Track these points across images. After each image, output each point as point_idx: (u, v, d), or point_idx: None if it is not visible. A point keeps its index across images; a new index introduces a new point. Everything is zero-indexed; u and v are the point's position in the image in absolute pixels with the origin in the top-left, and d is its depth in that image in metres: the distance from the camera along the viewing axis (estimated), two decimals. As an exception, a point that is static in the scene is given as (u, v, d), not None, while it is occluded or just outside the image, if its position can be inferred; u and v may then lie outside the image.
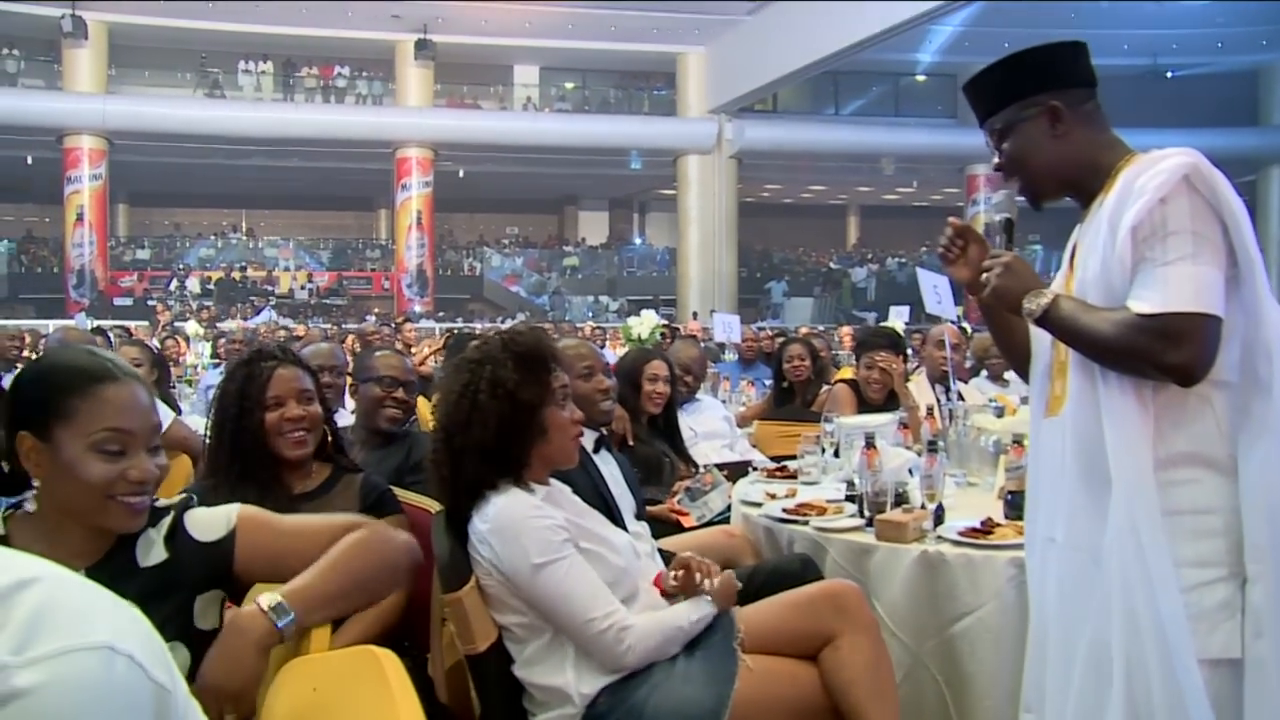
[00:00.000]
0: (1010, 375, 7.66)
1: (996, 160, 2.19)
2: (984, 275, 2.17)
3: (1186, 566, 1.90)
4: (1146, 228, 1.90)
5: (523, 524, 2.37)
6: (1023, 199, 2.26)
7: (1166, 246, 1.89)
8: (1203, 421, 1.94)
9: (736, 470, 4.36)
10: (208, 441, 2.79)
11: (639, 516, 3.40)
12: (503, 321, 22.59)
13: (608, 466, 3.43)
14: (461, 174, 27.21)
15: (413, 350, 9.28)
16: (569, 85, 28.50)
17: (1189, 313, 1.86)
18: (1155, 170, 1.92)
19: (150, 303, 24.53)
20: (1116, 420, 1.96)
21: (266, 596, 1.82)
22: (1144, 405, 1.94)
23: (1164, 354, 1.87)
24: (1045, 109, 2.09)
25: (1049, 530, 2.15)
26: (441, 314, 25.28)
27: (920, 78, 29.17)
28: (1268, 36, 22.37)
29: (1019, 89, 2.13)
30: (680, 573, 2.56)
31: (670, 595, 2.58)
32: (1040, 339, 2.21)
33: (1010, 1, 20.47)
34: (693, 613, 2.47)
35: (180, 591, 1.84)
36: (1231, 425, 1.93)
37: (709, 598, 2.50)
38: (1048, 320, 2.04)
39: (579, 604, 2.35)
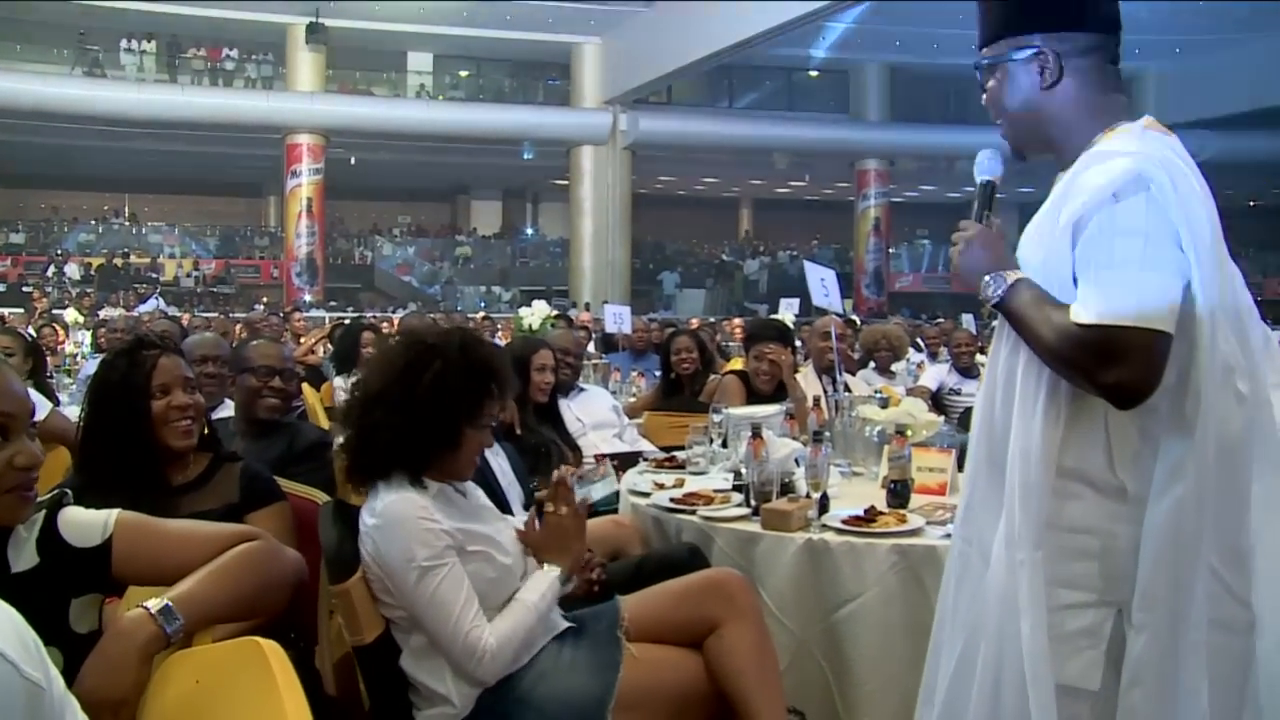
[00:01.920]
0: (897, 367, 7.85)
1: (984, 97, 1.99)
2: (951, 250, 1.98)
3: (1057, 585, 1.80)
4: (1092, 226, 1.73)
5: (406, 524, 2.35)
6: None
7: (1113, 248, 1.70)
8: (1091, 440, 1.80)
9: (627, 460, 4.39)
10: (80, 436, 2.69)
11: (527, 506, 3.41)
12: (394, 311, 22.31)
13: (497, 458, 3.43)
14: (353, 161, 26.80)
15: (301, 340, 9.13)
16: (463, 74, 28.25)
17: (1127, 327, 1.67)
18: (1105, 167, 1.75)
19: (26, 289, 23.67)
20: (1024, 422, 1.83)
21: (154, 600, 1.75)
22: (1055, 412, 1.81)
23: (1098, 372, 1.69)
24: (1035, 54, 1.88)
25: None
26: (333, 303, 24.87)
27: (813, 73, 29.57)
28: (1140, 45, 23.11)
29: (1013, 24, 1.91)
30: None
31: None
32: None
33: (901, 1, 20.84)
34: (546, 591, 2.48)
35: (53, 597, 1.77)
36: (1133, 451, 1.78)
37: (558, 570, 2.51)
38: (1002, 308, 1.87)
39: (444, 614, 2.33)
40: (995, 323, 2.00)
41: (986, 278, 1.88)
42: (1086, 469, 1.80)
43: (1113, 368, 1.68)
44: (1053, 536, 1.80)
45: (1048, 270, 1.82)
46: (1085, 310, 1.71)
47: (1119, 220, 1.70)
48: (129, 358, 2.68)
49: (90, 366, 7.96)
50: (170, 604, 1.74)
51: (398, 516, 2.36)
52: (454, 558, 2.37)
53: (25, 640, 1.06)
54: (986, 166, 2.02)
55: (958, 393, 7.20)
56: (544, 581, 2.49)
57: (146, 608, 1.73)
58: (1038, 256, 1.86)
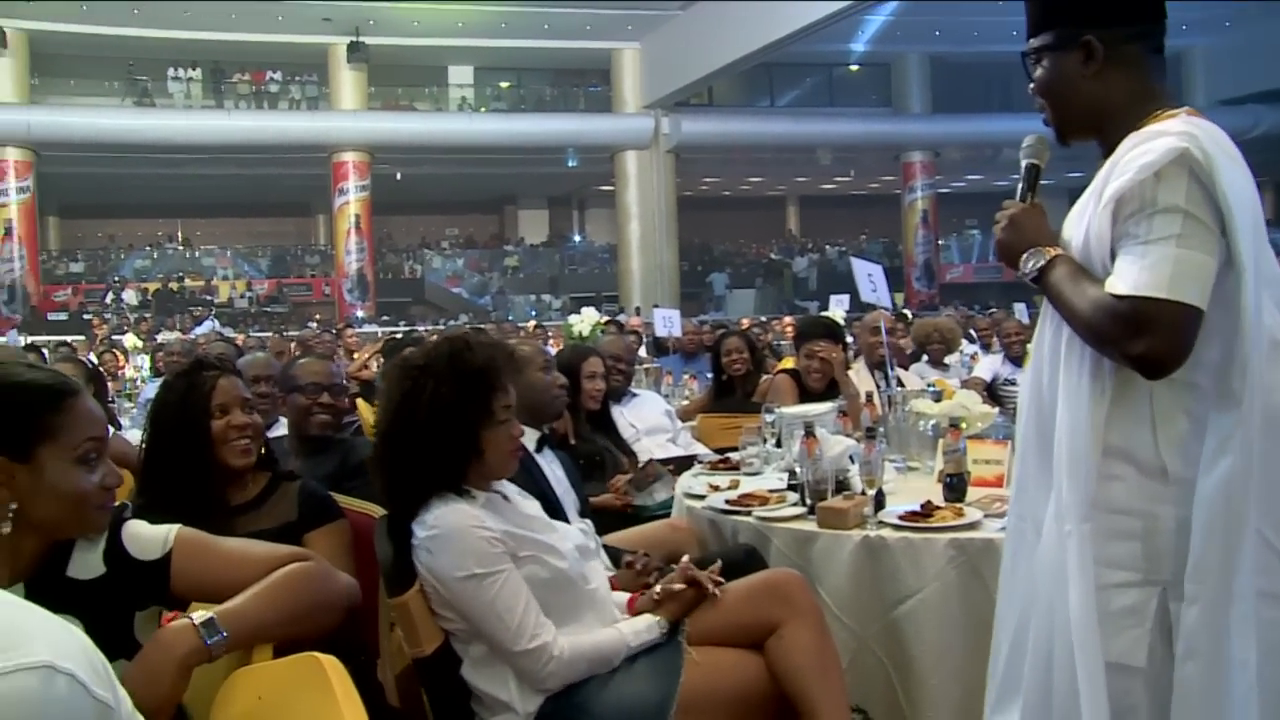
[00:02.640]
0: (950, 359, 7.78)
1: (1031, 85, 2.04)
2: (994, 227, 2.04)
3: (1102, 565, 1.83)
4: (1135, 202, 1.76)
5: (460, 535, 2.36)
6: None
7: (1152, 224, 1.74)
8: (1137, 417, 1.82)
9: (681, 464, 4.39)
10: (142, 458, 2.74)
11: (583, 514, 3.42)
12: (446, 324, 22.46)
13: (551, 466, 3.45)
14: (399, 176, 27.03)
15: (355, 355, 9.21)
16: (504, 85, 28.35)
17: (1159, 299, 1.70)
18: (1149, 146, 1.78)
19: (86, 316, 24.08)
20: (1070, 397, 1.87)
21: (199, 613, 1.79)
22: (1100, 388, 1.84)
23: (1127, 341, 1.73)
24: (1079, 45, 1.91)
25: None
26: (385, 318, 25.08)
27: (854, 68, 29.41)
28: (1188, 22, 22.78)
29: (1056, 16, 1.97)
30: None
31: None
32: None
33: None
34: (644, 633, 2.48)
35: (119, 607, 1.82)
36: (1177, 430, 1.81)
37: (661, 620, 2.51)
38: (1040, 284, 1.92)
39: (506, 621, 2.33)
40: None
41: (1026, 254, 1.93)
42: (1131, 448, 1.83)
43: (1141, 338, 1.72)
44: (1097, 517, 1.84)
45: (1090, 246, 1.86)
46: (1120, 282, 1.75)
47: (1160, 197, 1.74)
48: (188, 379, 2.74)
49: (150, 390, 8.10)
50: (214, 617, 1.77)
51: (451, 528, 2.37)
52: (510, 564, 2.37)
53: (94, 662, 1.08)
54: (1032, 151, 2.07)
55: (1012, 383, 7.11)
56: (648, 631, 2.48)
57: (190, 618, 1.77)
58: (1080, 234, 1.89)
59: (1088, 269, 1.86)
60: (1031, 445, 1.99)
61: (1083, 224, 1.89)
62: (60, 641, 1.07)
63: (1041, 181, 2.07)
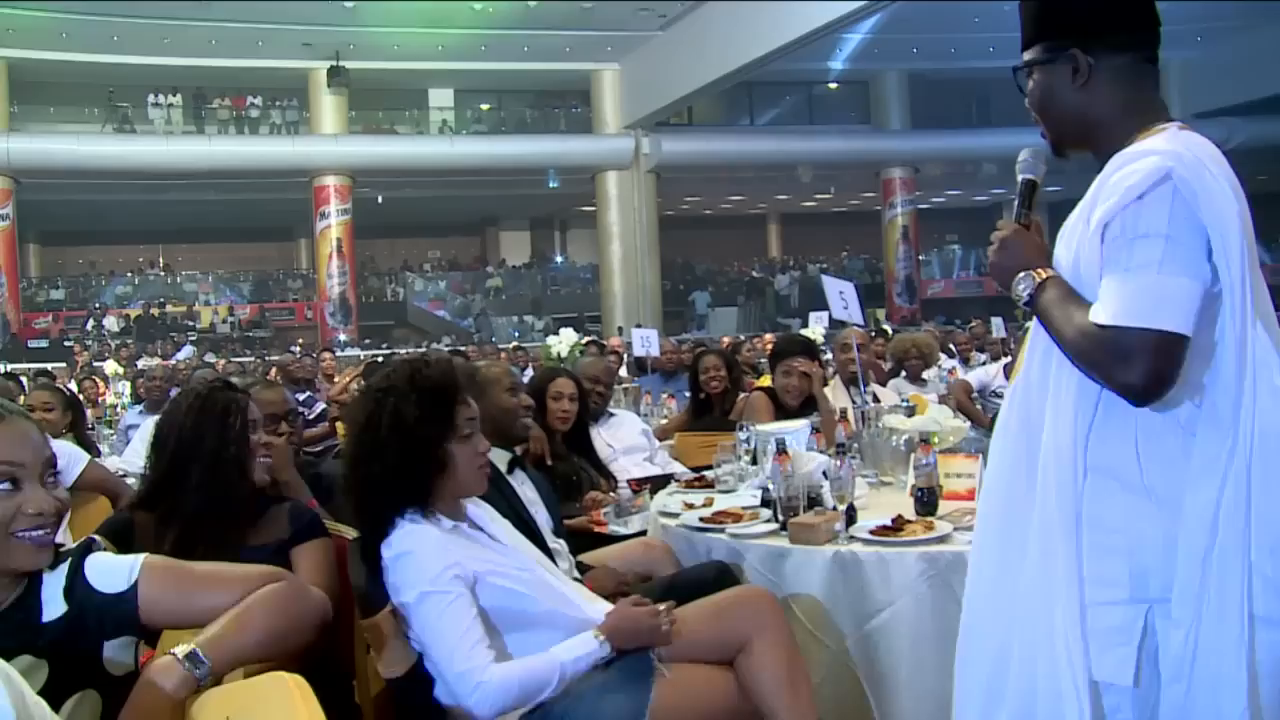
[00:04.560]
0: (928, 374, 7.82)
1: (1026, 100, 2.02)
2: (989, 249, 2.01)
3: (1088, 583, 1.82)
4: (1117, 227, 1.75)
5: (417, 554, 2.39)
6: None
7: (1133, 251, 1.73)
8: (1120, 436, 1.82)
9: (659, 484, 4.40)
10: (149, 472, 2.78)
11: (557, 533, 3.44)
12: (428, 346, 22.45)
13: (522, 487, 3.45)
14: (380, 200, 27.05)
15: (335, 379, 9.22)
16: (485, 107, 28.43)
17: (1141, 329, 1.70)
18: (1134, 168, 1.76)
19: (67, 344, 23.98)
20: (1057, 414, 1.87)
21: (182, 646, 1.79)
22: (1088, 405, 1.84)
23: (1113, 371, 1.74)
24: (1066, 54, 1.91)
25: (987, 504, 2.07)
26: (368, 341, 25.06)
27: (832, 85, 29.59)
28: (1166, 36, 22.99)
29: (1045, 30, 1.96)
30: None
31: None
32: None
33: (918, 1, 20.68)
34: (578, 650, 2.45)
35: (85, 642, 1.80)
36: (1164, 448, 1.80)
37: (602, 637, 2.48)
38: (1032, 306, 1.91)
39: (445, 643, 2.35)
40: (1028, 324, 2.02)
41: (1019, 275, 1.92)
42: (1115, 466, 1.82)
43: (1126, 367, 1.71)
44: (1083, 534, 1.82)
45: (1079, 271, 1.85)
46: (1103, 310, 1.74)
47: (1141, 222, 1.73)
48: (227, 394, 2.79)
49: (130, 416, 8.06)
50: (197, 649, 1.78)
51: (409, 547, 2.40)
52: (461, 588, 2.39)
53: None
54: (1027, 165, 2.05)
55: (999, 395, 7.15)
56: (584, 649, 2.45)
57: (174, 654, 1.77)
58: (1069, 257, 1.89)
59: (1079, 291, 1.85)
60: (1022, 461, 1.96)
61: (1072, 247, 1.88)
62: None
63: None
